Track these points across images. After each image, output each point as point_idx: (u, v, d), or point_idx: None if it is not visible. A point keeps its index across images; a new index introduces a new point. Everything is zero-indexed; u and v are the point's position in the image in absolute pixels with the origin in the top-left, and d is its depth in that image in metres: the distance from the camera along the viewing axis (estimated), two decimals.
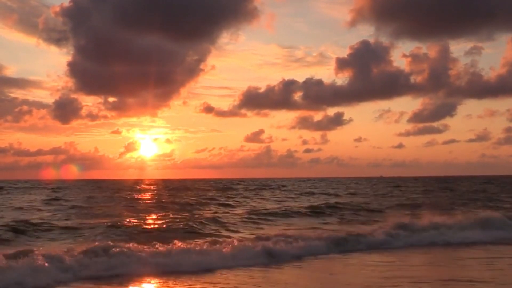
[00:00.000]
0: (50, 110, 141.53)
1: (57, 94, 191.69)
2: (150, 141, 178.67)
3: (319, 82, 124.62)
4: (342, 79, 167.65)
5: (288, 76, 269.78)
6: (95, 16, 76.58)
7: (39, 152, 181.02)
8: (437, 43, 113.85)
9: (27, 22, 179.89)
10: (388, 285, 10.78)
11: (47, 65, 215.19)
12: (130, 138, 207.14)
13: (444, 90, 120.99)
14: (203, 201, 38.08)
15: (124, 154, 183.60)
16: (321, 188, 68.78)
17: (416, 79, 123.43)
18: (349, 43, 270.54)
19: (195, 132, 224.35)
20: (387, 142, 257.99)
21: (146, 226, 20.73)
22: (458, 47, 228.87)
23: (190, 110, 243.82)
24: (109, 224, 20.34)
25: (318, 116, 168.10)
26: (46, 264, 11.53)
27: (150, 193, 53.67)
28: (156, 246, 13.99)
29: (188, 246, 14.25)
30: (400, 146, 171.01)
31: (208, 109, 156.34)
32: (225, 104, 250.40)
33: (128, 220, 22.73)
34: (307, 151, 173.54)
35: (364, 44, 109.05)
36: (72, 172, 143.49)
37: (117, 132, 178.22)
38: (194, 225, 20.77)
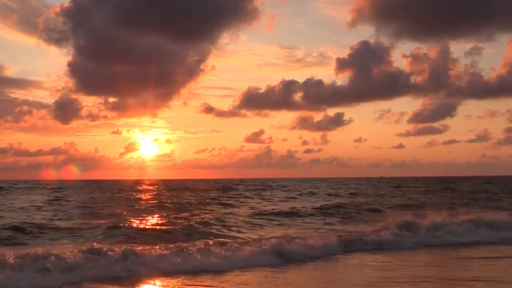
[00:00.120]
0: (50, 111, 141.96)
1: (57, 94, 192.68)
2: (150, 142, 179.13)
3: (319, 83, 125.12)
4: (342, 79, 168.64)
5: (288, 77, 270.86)
6: (95, 16, 76.76)
7: (39, 153, 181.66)
8: (437, 43, 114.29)
9: (27, 22, 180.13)
10: (389, 284, 10.78)
11: (47, 65, 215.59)
12: (130, 138, 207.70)
13: (444, 90, 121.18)
14: (205, 201, 38.02)
15: (124, 155, 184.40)
16: (322, 188, 68.73)
17: (416, 79, 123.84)
18: (349, 44, 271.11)
19: (195, 133, 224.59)
20: (387, 143, 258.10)
21: (149, 227, 20.69)
22: (458, 48, 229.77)
23: (190, 111, 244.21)
24: (111, 224, 20.26)
25: (318, 116, 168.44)
26: (49, 265, 11.46)
27: (151, 194, 53.60)
28: (162, 247, 13.93)
29: (194, 247, 14.17)
30: (400, 146, 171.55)
31: (208, 110, 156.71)
32: (225, 105, 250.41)
33: (130, 220, 22.69)
34: (307, 151, 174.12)
35: (364, 44, 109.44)
36: (72, 173, 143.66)
37: (117, 132, 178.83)
38: (198, 226, 20.68)
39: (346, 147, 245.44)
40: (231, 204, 35.47)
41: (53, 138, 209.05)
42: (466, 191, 55.06)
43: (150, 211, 28.54)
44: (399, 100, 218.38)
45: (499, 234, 18.96)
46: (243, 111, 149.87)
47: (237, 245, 14.92)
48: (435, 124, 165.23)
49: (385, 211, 28.97)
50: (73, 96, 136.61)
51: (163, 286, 11.17)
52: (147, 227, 20.69)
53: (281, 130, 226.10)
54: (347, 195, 48.57)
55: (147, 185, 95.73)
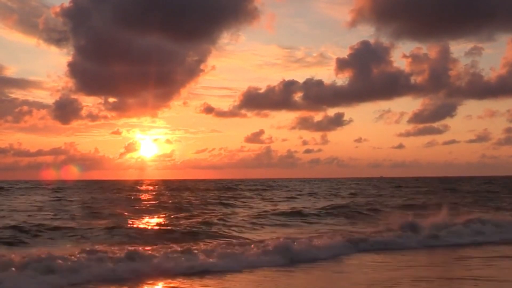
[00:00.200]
0: (50, 111, 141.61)
1: (57, 94, 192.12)
2: (150, 142, 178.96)
3: (319, 83, 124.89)
4: (342, 79, 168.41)
5: (288, 77, 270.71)
6: (95, 17, 76.61)
7: (39, 153, 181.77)
8: (438, 43, 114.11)
9: (27, 22, 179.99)
10: (391, 284, 10.79)
11: (47, 66, 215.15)
12: (130, 138, 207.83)
13: (444, 90, 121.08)
14: (206, 201, 37.99)
15: (124, 155, 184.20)
16: (322, 188, 68.76)
17: (416, 79, 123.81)
18: (349, 44, 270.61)
19: (195, 133, 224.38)
20: (387, 143, 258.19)
21: (150, 227, 20.64)
22: (459, 48, 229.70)
23: (190, 111, 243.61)
24: (112, 225, 20.21)
25: (318, 116, 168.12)
26: (52, 266, 11.41)
27: (151, 194, 53.58)
28: (165, 247, 13.90)
29: (198, 248, 14.14)
30: (400, 146, 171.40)
31: (208, 110, 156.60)
32: (225, 105, 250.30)
33: (131, 221, 22.63)
34: (307, 151, 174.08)
35: (364, 44, 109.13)
36: (72, 173, 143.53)
37: (117, 132, 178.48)
38: (200, 226, 20.65)
39: (346, 147, 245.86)
40: (232, 204, 35.44)
41: (53, 138, 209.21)
42: (466, 191, 55.07)
43: (151, 212, 28.50)
44: (399, 100, 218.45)
45: (503, 235, 18.95)
46: (243, 111, 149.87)
47: (241, 245, 14.89)
48: (435, 124, 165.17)
49: (386, 212, 28.92)
50: (73, 96, 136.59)
51: (167, 287, 11.11)
52: (148, 227, 20.64)
53: (281, 130, 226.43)
54: (348, 195, 48.55)
55: (147, 185, 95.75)
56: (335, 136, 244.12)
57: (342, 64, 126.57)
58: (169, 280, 11.48)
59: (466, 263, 13.91)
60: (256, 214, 26.79)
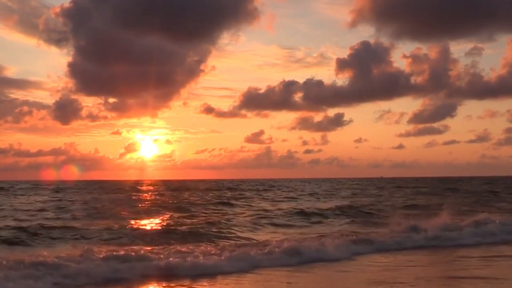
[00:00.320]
0: (50, 111, 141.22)
1: (57, 94, 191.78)
2: (150, 142, 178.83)
3: (320, 83, 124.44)
4: (342, 79, 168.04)
5: (288, 77, 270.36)
6: (95, 17, 76.51)
7: (39, 153, 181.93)
8: (438, 43, 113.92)
9: (28, 23, 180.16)
10: (392, 285, 10.79)
11: (47, 66, 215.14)
12: (130, 139, 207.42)
13: (445, 90, 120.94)
14: (208, 201, 37.95)
15: (124, 155, 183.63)
16: (323, 188, 68.76)
17: (417, 79, 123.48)
18: (349, 44, 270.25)
19: (195, 133, 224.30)
20: (387, 143, 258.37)
21: (152, 228, 20.60)
22: (459, 48, 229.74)
23: (190, 111, 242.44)
24: (113, 225, 20.17)
25: (318, 116, 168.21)
26: (53, 267, 11.34)
27: (151, 194, 53.55)
28: (168, 247, 13.85)
29: (201, 249, 14.08)
30: (400, 146, 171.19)
31: (208, 110, 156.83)
32: (225, 105, 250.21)
33: (132, 221, 22.59)
34: (307, 151, 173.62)
35: (365, 44, 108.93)
36: (72, 173, 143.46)
37: (117, 133, 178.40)
38: (203, 227, 20.61)
39: (346, 148, 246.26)
40: (233, 204, 35.41)
41: (53, 138, 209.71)
42: (467, 191, 55.04)
43: (151, 212, 28.48)
44: (399, 100, 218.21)
45: (503, 235, 18.90)
46: (243, 112, 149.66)
47: (246, 246, 14.83)
48: (435, 125, 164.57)
49: (388, 212, 28.88)
50: (73, 96, 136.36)
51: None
52: (149, 227, 20.59)
53: (281, 130, 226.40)
54: (348, 196, 48.54)
55: (148, 185, 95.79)
56: (335, 136, 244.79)
57: (342, 64, 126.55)
58: (172, 281, 11.41)
59: (466, 263, 13.93)
60: (257, 214, 26.76)
